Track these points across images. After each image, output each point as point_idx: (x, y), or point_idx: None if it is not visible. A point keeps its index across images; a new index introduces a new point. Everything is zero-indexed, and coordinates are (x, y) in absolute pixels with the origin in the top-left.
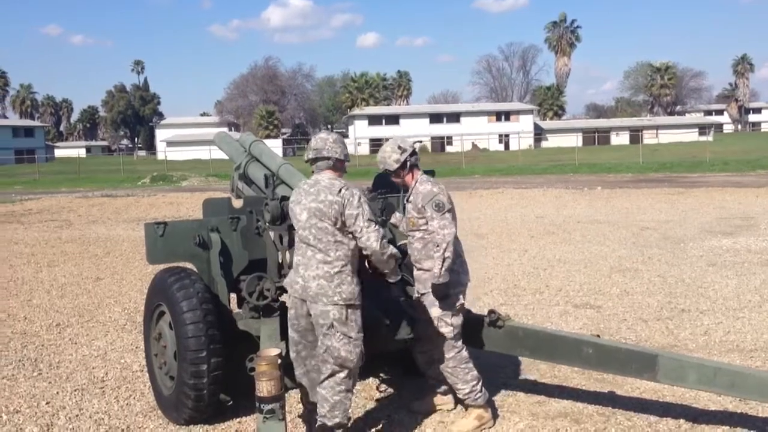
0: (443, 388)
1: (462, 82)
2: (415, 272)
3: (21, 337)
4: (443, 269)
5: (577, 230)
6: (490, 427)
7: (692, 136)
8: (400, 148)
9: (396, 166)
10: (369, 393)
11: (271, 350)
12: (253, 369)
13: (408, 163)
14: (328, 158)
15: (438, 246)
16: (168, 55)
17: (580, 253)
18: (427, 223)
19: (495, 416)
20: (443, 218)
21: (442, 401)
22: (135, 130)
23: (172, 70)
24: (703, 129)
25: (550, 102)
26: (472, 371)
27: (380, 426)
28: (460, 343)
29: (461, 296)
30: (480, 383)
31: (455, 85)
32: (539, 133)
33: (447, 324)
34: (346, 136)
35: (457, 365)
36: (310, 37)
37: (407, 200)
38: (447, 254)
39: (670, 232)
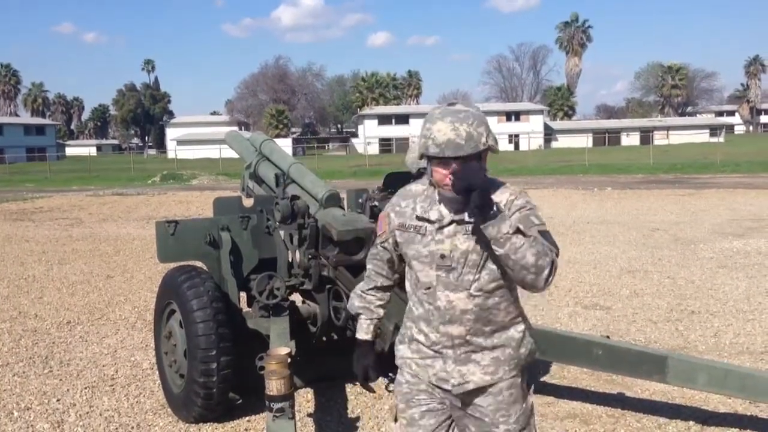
0: None
1: (472, 81)
2: None
3: (32, 335)
4: None
5: (586, 231)
6: None
7: (703, 137)
8: None
9: None
10: (378, 392)
11: (280, 349)
12: (262, 368)
13: None
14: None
15: None
16: (179, 54)
17: (590, 254)
18: None
19: None
20: None
21: None
22: (145, 129)
23: (183, 69)
24: (714, 130)
25: (560, 102)
26: None
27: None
28: None
29: None
30: None
31: (465, 85)
32: (549, 134)
33: None
34: (355, 135)
35: None
36: (321, 37)
37: None
38: None
39: (680, 233)
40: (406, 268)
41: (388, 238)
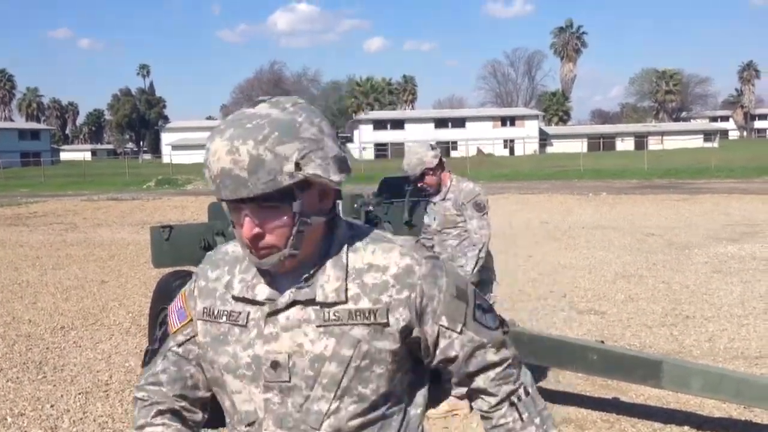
0: (459, 391)
1: (468, 87)
2: None
3: (26, 340)
4: (475, 269)
5: (581, 236)
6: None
7: (697, 142)
8: (431, 146)
9: (436, 162)
10: None
11: None
12: None
13: (442, 160)
14: None
15: (474, 245)
16: (175, 58)
17: (585, 259)
18: (465, 221)
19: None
20: (482, 219)
21: (458, 405)
22: (140, 134)
23: (179, 74)
24: (708, 135)
25: (555, 107)
26: None
27: None
28: None
29: (492, 292)
30: None
31: (461, 90)
32: (544, 139)
33: None
34: (351, 140)
35: None
36: (317, 42)
37: (444, 198)
38: (482, 254)
39: (674, 238)
40: (217, 394)
41: (192, 335)
